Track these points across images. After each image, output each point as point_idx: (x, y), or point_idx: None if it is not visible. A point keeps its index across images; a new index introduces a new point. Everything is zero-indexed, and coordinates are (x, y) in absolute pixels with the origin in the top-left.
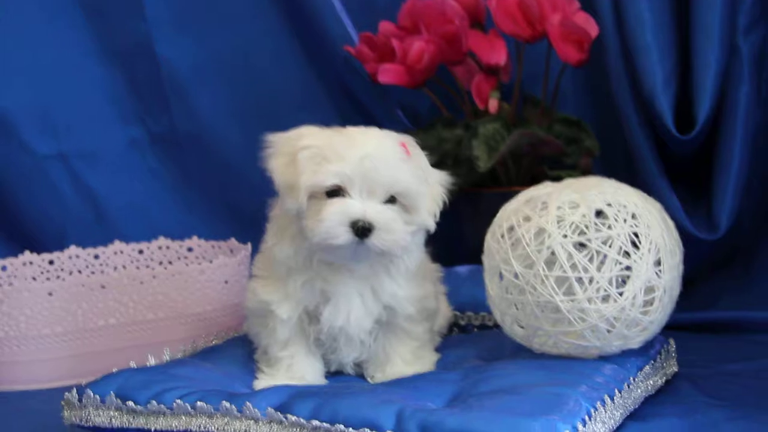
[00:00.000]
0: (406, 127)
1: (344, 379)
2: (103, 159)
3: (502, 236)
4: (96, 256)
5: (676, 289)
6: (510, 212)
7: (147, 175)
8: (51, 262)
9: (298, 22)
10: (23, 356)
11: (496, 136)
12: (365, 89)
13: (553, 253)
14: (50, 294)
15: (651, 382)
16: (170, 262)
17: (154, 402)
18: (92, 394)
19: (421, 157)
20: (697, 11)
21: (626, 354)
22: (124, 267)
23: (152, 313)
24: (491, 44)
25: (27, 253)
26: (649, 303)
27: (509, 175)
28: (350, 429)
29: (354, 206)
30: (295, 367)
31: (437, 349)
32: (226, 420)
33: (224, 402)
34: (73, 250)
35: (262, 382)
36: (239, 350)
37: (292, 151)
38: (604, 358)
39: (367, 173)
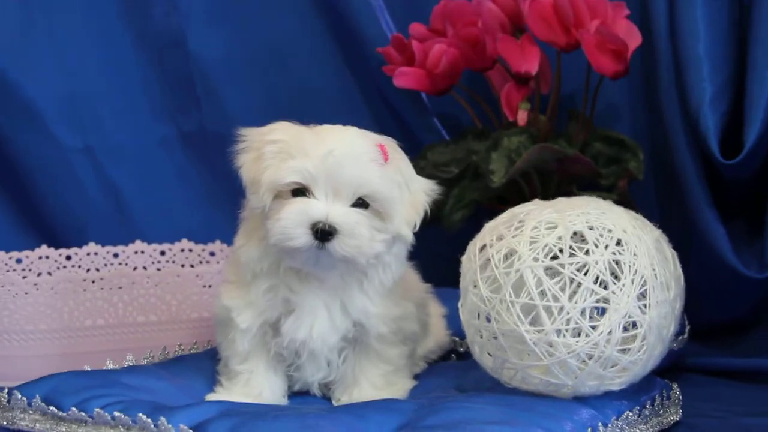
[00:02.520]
0: (441, 137)
1: (307, 401)
2: (130, 155)
3: (474, 255)
4: (115, 255)
5: (667, 328)
6: (487, 230)
7: (174, 174)
8: (68, 258)
9: (335, 20)
10: (5, 351)
11: (520, 149)
12: (400, 94)
13: (522, 278)
14: (35, 287)
15: (636, 430)
16: (191, 266)
17: (74, 409)
18: (20, 396)
19: (402, 162)
20: (757, 22)
21: (608, 397)
22: (144, 268)
23: (143, 316)
24: (522, 50)
25: (44, 246)
26: (629, 341)
27: (535, 193)
28: None
29: (316, 206)
30: (253, 382)
31: (418, 376)
32: None
33: (141, 415)
34: (91, 246)
35: (214, 396)
36: (209, 362)
37: (259, 146)
38: (582, 400)
39: (331, 171)
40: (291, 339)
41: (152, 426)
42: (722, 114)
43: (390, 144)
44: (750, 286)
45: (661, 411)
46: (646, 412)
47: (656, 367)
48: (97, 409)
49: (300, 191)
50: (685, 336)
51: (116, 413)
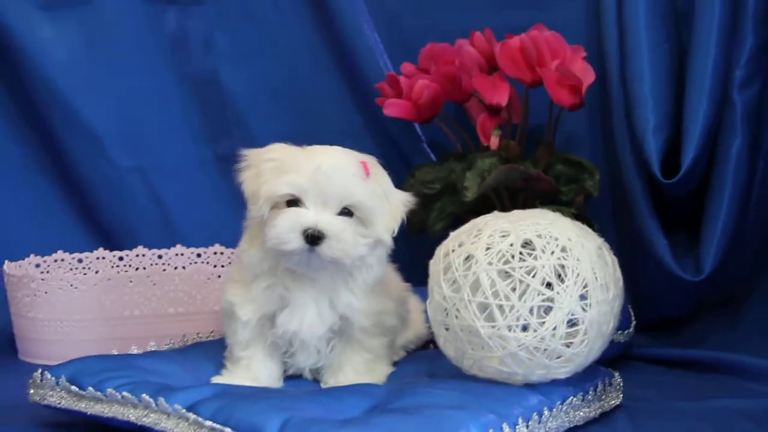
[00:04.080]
0: (429, 159)
1: (299, 383)
2: (175, 174)
3: (439, 259)
4: (159, 256)
5: (607, 325)
6: (451, 237)
7: (211, 191)
8: (121, 258)
9: (343, 61)
10: (60, 336)
11: (491, 169)
12: (396, 124)
13: (478, 279)
14: (83, 283)
15: (580, 413)
16: (222, 266)
17: (91, 389)
18: (50, 376)
19: (382, 176)
20: (692, 64)
21: (555, 384)
22: (183, 267)
23: (173, 307)
24: (494, 86)
25: (100, 249)
26: (572, 335)
27: (504, 207)
28: None
29: (306, 215)
30: (252, 367)
31: (397, 363)
32: (144, 411)
33: (144, 395)
34: (140, 249)
35: (220, 378)
36: (220, 348)
37: (258, 164)
38: (533, 387)
39: (320, 184)
40: (284, 330)
41: (153, 405)
42: (663, 141)
43: (371, 161)
44: (688, 288)
45: (603, 396)
46: (589, 397)
47: (603, 357)
48: (110, 389)
49: (293, 202)
50: (631, 329)
51: (125, 393)
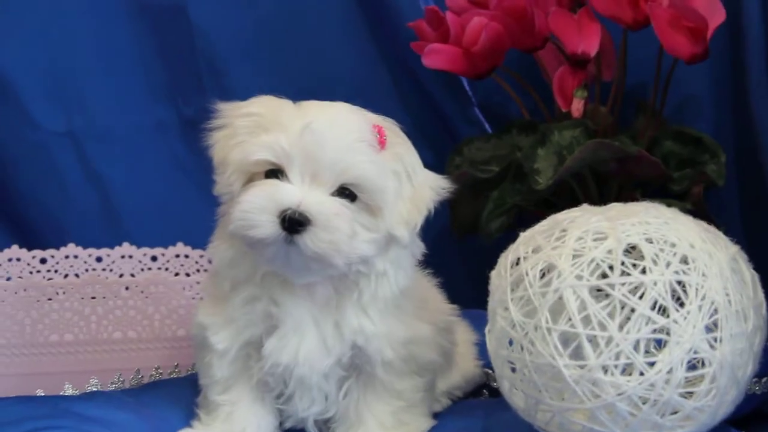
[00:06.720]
0: (483, 130)
1: None
2: (121, 142)
3: (505, 271)
4: (99, 259)
5: (744, 368)
6: (523, 240)
7: (172, 166)
8: (43, 261)
9: None
10: None
11: (572, 146)
12: (436, 78)
13: (561, 300)
14: None
15: None
16: (187, 274)
17: None
18: None
19: (404, 148)
20: None
21: None
22: (132, 275)
23: (121, 331)
24: (579, 27)
25: (14, 247)
26: (694, 382)
27: (590, 199)
28: None
29: (287, 190)
30: (235, 417)
31: (439, 415)
32: None
33: None
34: (71, 248)
35: None
36: (190, 390)
37: (233, 121)
38: None
39: (309, 149)
40: (274, 362)
41: None
42: None
43: (390, 126)
44: None
45: None
46: None
47: (735, 415)
48: None
49: (274, 173)
50: None
51: None
